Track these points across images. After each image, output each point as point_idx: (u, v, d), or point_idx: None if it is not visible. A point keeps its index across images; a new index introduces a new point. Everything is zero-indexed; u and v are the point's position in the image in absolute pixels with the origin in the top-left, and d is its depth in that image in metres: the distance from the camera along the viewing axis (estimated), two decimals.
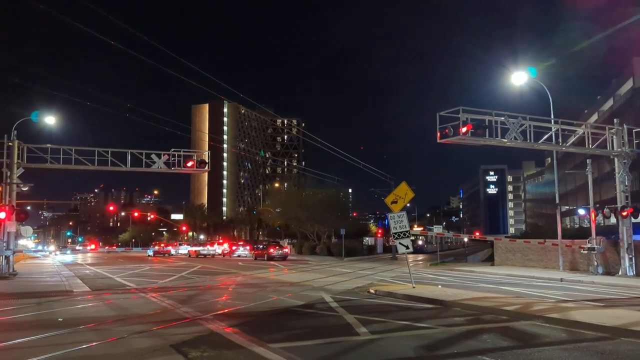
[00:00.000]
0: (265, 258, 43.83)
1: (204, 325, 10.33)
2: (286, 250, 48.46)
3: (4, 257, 24.22)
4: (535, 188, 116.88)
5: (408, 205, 21.82)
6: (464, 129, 18.58)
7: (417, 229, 62.84)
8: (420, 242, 62.27)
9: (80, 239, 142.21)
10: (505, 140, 19.68)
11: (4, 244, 24.04)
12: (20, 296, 16.00)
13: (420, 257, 50.15)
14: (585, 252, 23.66)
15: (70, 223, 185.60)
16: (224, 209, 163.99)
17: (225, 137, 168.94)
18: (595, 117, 61.35)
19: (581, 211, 32.27)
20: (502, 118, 19.49)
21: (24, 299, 15.17)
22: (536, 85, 26.12)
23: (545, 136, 21.14)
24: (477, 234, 62.99)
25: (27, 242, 76.47)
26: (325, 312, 12.20)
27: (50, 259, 53.20)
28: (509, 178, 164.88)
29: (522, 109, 21.23)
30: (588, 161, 25.25)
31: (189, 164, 28.15)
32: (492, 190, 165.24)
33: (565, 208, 51.88)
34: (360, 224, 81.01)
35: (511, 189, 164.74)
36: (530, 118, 20.27)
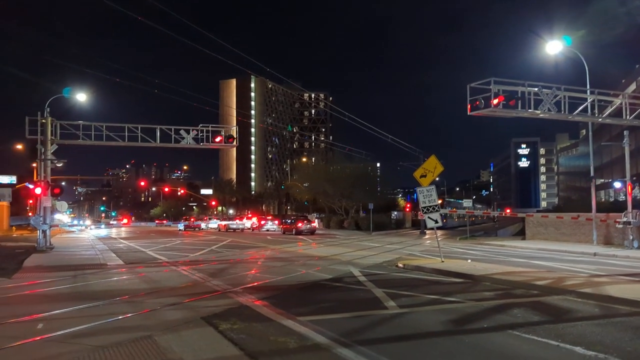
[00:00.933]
0: (294, 232, 44.17)
1: (234, 298, 10.49)
2: (314, 224, 48.68)
3: (41, 231, 25.03)
4: (569, 161, 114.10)
5: (437, 179, 21.56)
6: (495, 101, 18.09)
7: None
8: None
9: (113, 214, 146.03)
10: (539, 111, 19.12)
11: (41, 219, 24.82)
12: (57, 269, 16.53)
13: (439, 233, 49.70)
14: (621, 226, 23.04)
15: (104, 198, 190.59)
16: (252, 183, 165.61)
17: (252, 112, 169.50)
18: (633, 86, 59.07)
19: (617, 184, 31.34)
20: (536, 89, 18.89)
21: (60, 272, 15.65)
22: (571, 54, 25.21)
23: (581, 107, 20.42)
24: (508, 210, 61.21)
25: (63, 217, 78.92)
26: (353, 286, 12.24)
27: (86, 233, 54.83)
28: (542, 151, 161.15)
29: (556, 80, 20.51)
30: (625, 132, 24.39)
31: (217, 139, 28.35)
32: (523, 163, 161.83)
33: (600, 181, 50.57)
34: (388, 198, 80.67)
35: (544, 162, 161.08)
36: (564, 89, 19.59)
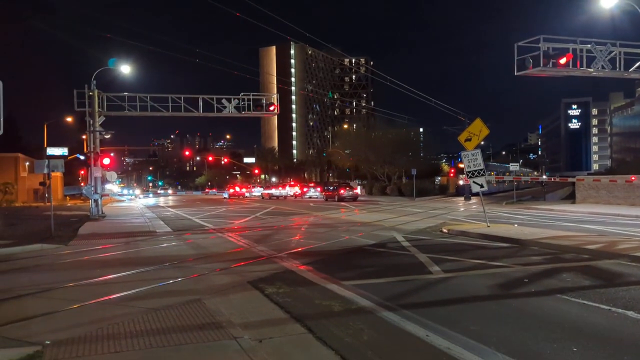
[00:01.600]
0: (336, 199, 44.31)
1: (279, 263, 10.66)
2: (356, 191, 48.61)
3: (93, 200, 26.03)
4: (623, 121, 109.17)
5: (482, 143, 21.00)
6: (544, 60, 17.29)
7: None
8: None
9: (160, 183, 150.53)
10: (591, 69, 18.16)
11: (92, 188, 25.77)
12: (109, 236, 17.20)
13: (485, 197, 48.62)
14: None
15: (150, 168, 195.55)
16: (294, 151, 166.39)
17: (293, 79, 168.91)
18: None
19: None
20: (589, 46, 17.91)
21: (113, 239, 16.29)
22: (628, 7, 23.67)
23: (638, 63, 19.28)
24: (557, 179, 59.29)
25: (113, 187, 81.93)
26: (397, 251, 12.22)
27: (134, 202, 56.77)
28: (594, 111, 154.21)
29: (613, 37, 19.35)
30: None
31: (259, 107, 28.46)
32: (574, 124, 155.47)
33: None
34: (431, 164, 79.61)
35: (596, 123, 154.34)
36: (620, 44, 18.48)
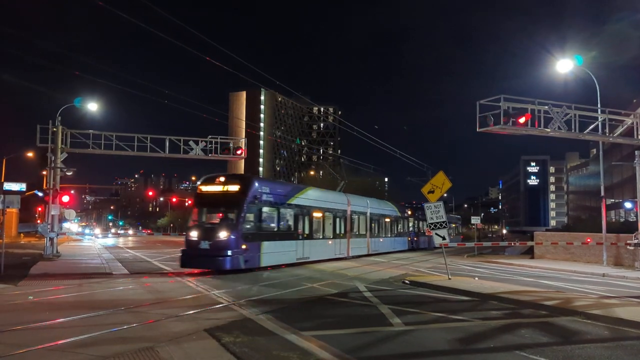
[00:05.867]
0: None
1: (238, 310, 10.42)
2: None
3: (48, 238, 25.11)
4: (579, 180, 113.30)
5: (445, 195, 21.43)
6: (504, 119, 18.00)
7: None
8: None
9: (121, 223, 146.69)
10: (548, 130, 18.98)
11: (49, 226, 24.91)
12: (63, 277, 16.53)
13: (446, 249, 49.16)
14: (632, 247, 22.74)
15: (112, 207, 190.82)
16: None
17: (261, 124, 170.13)
18: None
19: (628, 204, 31.12)
20: (546, 107, 18.77)
21: (66, 280, 15.66)
22: (582, 74, 25.08)
23: (591, 126, 20.27)
24: (518, 244, 60.40)
25: (71, 225, 79.23)
26: (358, 302, 12.13)
27: (92, 242, 54.99)
28: (551, 169, 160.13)
29: (567, 98, 20.45)
30: (636, 152, 24.16)
31: (226, 150, 28.41)
32: (533, 181, 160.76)
33: (610, 201, 50.06)
34: None
35: (553, 181, 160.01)
36: (575, 107, 19.46)
